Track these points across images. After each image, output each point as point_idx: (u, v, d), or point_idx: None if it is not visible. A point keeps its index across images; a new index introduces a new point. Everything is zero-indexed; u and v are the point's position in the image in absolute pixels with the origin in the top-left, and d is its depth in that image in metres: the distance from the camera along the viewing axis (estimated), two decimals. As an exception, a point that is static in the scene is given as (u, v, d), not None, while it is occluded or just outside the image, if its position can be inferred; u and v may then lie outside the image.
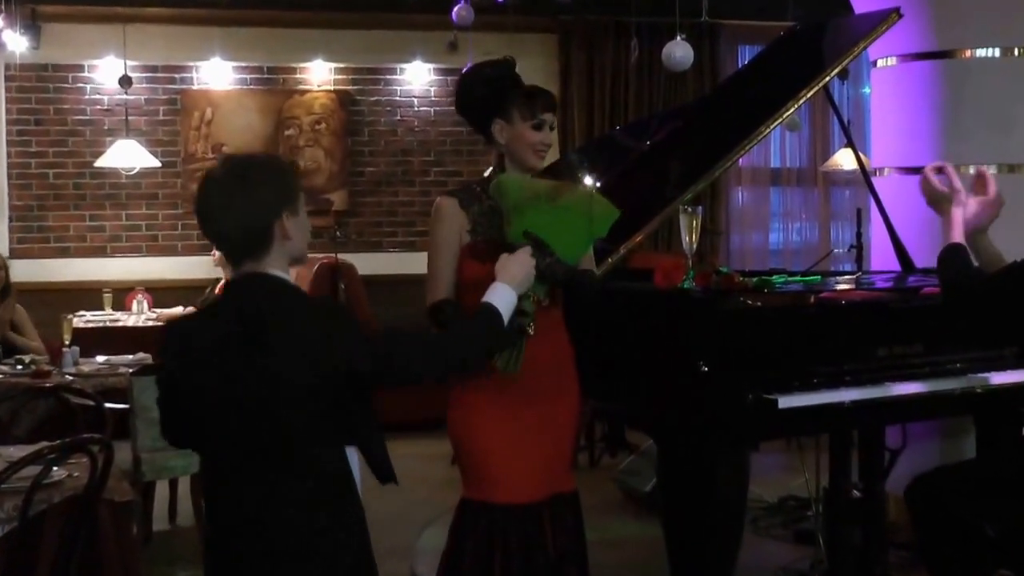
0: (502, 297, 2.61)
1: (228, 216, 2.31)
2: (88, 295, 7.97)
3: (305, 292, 2.44)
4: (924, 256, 4.23)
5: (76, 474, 3.34)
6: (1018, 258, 2.99)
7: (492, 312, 2.56)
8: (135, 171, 8.06)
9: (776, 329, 3.36)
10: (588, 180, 4.36)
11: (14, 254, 8.03)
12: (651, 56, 8.51)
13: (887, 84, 5.24)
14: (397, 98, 8.89)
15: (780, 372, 3.22)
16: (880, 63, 5.22)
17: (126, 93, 7.89)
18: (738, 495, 3.40)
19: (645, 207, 3.80)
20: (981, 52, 4.88)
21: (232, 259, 2.37)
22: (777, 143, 9.48)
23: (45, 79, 8.31)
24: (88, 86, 8.37)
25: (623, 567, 4.79)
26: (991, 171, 4.77)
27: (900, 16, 4.16)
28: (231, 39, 8.49)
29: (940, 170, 3.11)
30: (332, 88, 8.75)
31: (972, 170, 4.55)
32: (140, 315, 7.74)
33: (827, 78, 4.02)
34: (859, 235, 4.86)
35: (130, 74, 7.80)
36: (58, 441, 3.34)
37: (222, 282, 2.02)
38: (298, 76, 8.73)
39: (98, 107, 8.38)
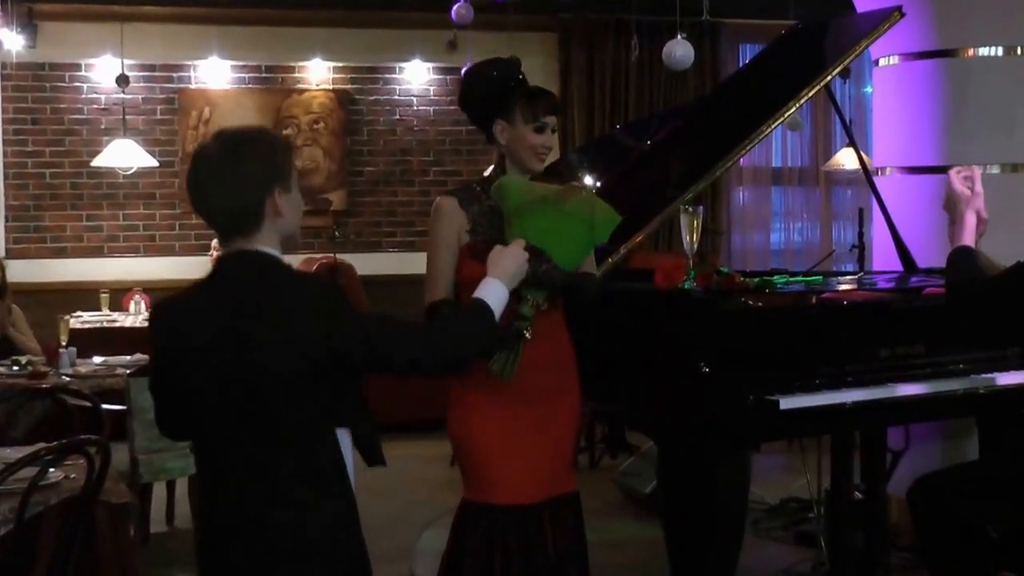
0: (493, 292, 2.57)
1: (218, 191, 2.27)
2: (85, 295, 7.95)
3: (296, 271, 2.38)
4: (926, 256, 4.22)
5: (73, 476, 3.32)
6: (1019, 259, 2.97)
7: (482, 308, 2.52)
8: (132, 171, 8.05)
9: (777, 330, 3.34)
10: (588, 180, 4.34)
11: (10, 254, 8.02)
12: (652, 55, 8.51)
13: (889, 83, 5.22)
14: (396, 97, 8.88)
15: (781, 373, 3.20)
16: (882, 62, 5.20)
17: (123, 92, 7.87)
18: (739, 496, 3.39)
19: (646, 207, 3.78)
20: (984, 51, 4.87)
21: (222, 236, 2.33)
22: (779, 142, 9.48)
23: (42, 78, 8.29)
24: (85, 85, 8.36)
25: (623, 568, 4.78)
26: (994, 171, 4.78)
27: (902, 15, 4.15)
28: (229, 38, 8.47)
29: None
30: (331, 87, 8.74)
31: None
32: (137, 316, 7.71)
33: (829, 77, 4.01)
34: (861, 235, 4.85)
35: (127, 73, 7.79)
36: (55, 443, 3.31)
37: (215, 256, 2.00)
38: (296, 75, 8.72)
39: (95, 106, 8.36)
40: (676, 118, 4.86)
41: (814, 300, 3.56)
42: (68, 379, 5.50)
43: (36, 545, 3.16)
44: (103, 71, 8.25)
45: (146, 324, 7.67)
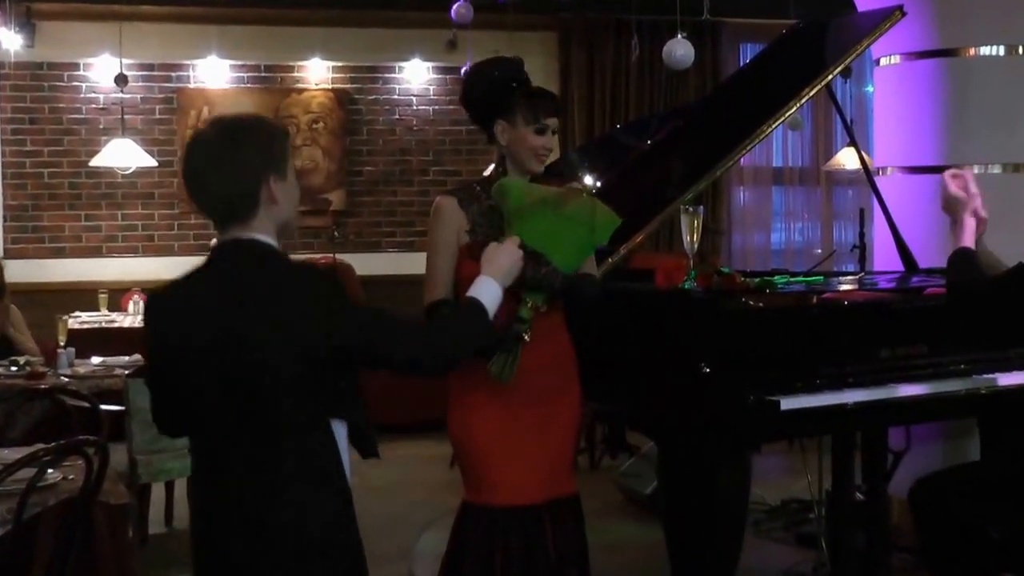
0: (487, 290, 2.56)
1: (214, 177, 2.26)
2: (83, 296, 7.94)
3: (292, 260, 2.36)
4: (927, 256, 4.21)
5: (71, 476, 3.31)
6: (1020, 259, 2.97)
7: (476, 306, 2.51)
8: (131, 170, 8.03)
9: (778, 330, 3.33)
10: (588, 180, 4.33)
11: (9, 254, 8.01)
12: (652, 55, 8.50)
13: (890, 83, 5.21)
14: (396, 97, 8.87)
15: (782, 373, 3.19)
16: (883, 61, 5.19)
17: (122, 92, 7.85)
18: (739, 497, 3.38)
19: (646, 207, 3.77)
20: (985, 50, 4.86)
21: (218, 223, 2.32)
22: (779, 142, 9.47)
23: (40, 77, 8.28)
24: (84, 85, 8.34)
25: (624, 569, 4.77)
26: (995, 171, 4.78)
27: (903, 14, 4.14)
28: (228, 37, 8.46)
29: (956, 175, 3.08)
30: (330, 87, 8.72)
31: (976, 169, 4.57)
32: (136, 316, 7.68)
33: (830, 76, 4.00)
34: (862, 235, 4.84)
35: (126, 72, 7.77)
36: (53, 443, 3.30)
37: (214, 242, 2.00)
38: (296, 75, 8.71)
39: (94, 106, 8.35)
40: (676, 118, 4.85)
41: (815, 300, 3.56)
42: (66, 380, 5.49)
43: (34, 546, 3.16)
44: (102, 71, 8.24)
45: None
